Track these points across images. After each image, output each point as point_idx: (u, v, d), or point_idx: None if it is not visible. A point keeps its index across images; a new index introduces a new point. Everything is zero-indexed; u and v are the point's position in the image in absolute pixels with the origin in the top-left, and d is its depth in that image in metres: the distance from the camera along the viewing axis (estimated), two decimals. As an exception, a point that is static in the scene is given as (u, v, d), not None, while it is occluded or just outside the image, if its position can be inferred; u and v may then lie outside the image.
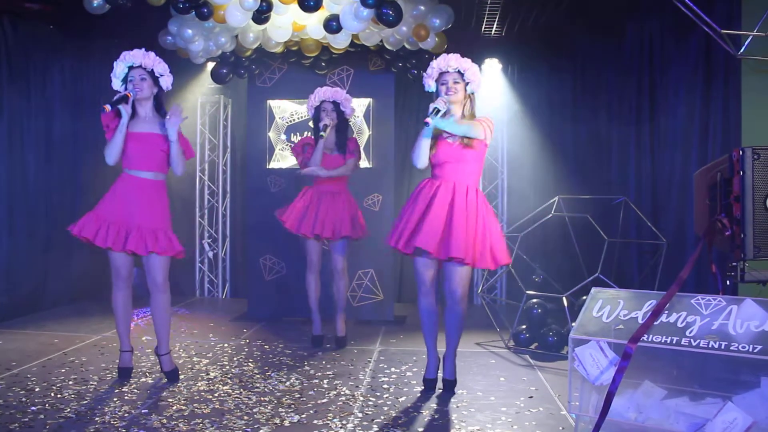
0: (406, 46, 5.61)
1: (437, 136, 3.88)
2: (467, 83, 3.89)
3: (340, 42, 5.48)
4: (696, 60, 5.40)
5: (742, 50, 4.08)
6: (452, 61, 3.88)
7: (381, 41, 5.59)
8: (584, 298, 5.28)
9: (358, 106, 6.15)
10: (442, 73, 3.90)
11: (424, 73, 4.02)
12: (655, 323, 2.44)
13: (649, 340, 2.45)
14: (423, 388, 4.02)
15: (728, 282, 2.73)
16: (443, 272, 3.90)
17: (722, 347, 2.35)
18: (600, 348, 2.55)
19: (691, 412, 2.36)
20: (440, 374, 4.06)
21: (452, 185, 3.82)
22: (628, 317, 2.58)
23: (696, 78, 5.38)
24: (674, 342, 2.43)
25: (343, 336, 5.20)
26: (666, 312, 2.48)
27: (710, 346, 2.35)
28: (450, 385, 3.99)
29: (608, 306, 2.67)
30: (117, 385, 3.95)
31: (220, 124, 7.65)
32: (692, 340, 2.41)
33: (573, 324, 4.88)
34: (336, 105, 5.05)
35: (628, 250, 6.03)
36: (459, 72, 3.87)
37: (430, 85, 3.99)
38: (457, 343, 4.01)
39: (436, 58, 3.94)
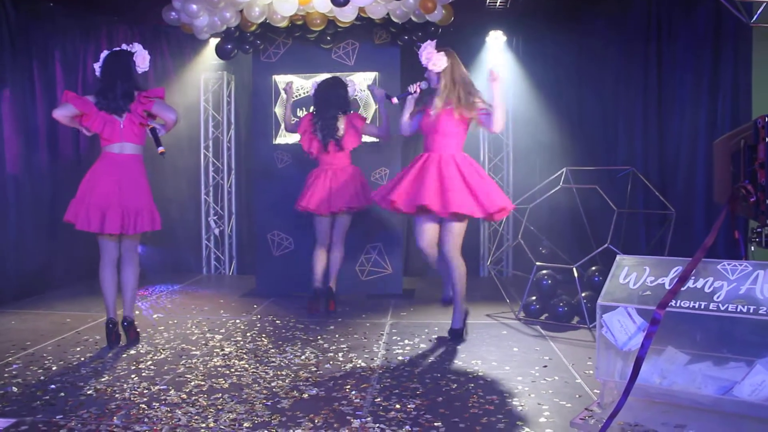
0: (413, 18, 5.56)
1: (426, 110, 4.42)
2: (431, 69, 4.40)
3: (346, 15, 5.43)
4: (705, 28, 5.35)
5: (755, 18, 4.04)
6: (423, 57, 4.39)
7: (387, 14, 5.54)
8: (593, 268, 5.33)
9: (364, 80, 6.12)
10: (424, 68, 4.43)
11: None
12: (682, 289, 2.46)
13: (677, 305, 2.46)
14: (439, 358, 4.06)
15: (752, 248, 2.74)
16: (441, 232, 4.45)
17: (750, 311, 2.36)
18: (628, 314, 2.57)
19: (717, 375, 2.38)
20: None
21: (428, 155, 4.40)
22: (655, 283, 2.59)
23: (705, 47, 5.33)
24: (702, 307, 2.44)
25: (333, 290, 5.53)
26: (692, 278, 2.50)
27: (738, 310, 2.37)
28: (459, 333, 4.54)
29: (634, 273, 2.68)
30: (134, 362, 3.97)
31: (224, 100, 7.61)
32: (720, 305, 2.43)
33: (583, 294, 4.94)
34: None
35: (636, 221, 6.03)
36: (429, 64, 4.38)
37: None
38: (460, 296, 4.51)
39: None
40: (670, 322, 2.52)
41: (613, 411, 2.41)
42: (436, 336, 4.63)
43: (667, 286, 2.54)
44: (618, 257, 2.81)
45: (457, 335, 4.54)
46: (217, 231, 7.62)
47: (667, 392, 2.50)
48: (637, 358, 2.37)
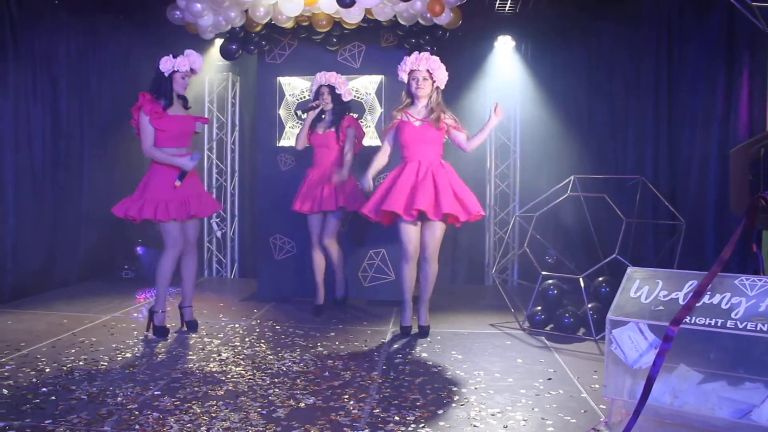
0: (420, 21, 5.48)
1: (405, 122, 4.68)
2: (434, 80, 4.66)
3: (353, 16, 5.35)
4: (718, 35, 5.23)
5: (771, 24, 3.94)
6: (422, 62, 4.61)
7: (394, 16, 5.46)
8: (600, 279, 5.22)
9: (370, 83, 6.04)
10: (413, 70, 4.65)
11: (398, 66, 4.73)
12: (697, 305, 2.35)
13: (692, 322, 2.35)
14: (440, 368, 3.95)
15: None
16: (424, 234, 4.68)
17: (771, 330, 2.25)
18: (639, 330, 2.46)
19: (732, 396, 2.26)
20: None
21: (417, 163, 4.62)
22: (668, 298, 2.48)
23: (718, 54, 5.21)
24: (719, 324, 2.33)
25: (344, 295, 5.80)
26: (708, 293, 2.39)
27: (758, 329, 2.26)
28: (425, 331, 4.77)
29: (646, 286, 2.57)
30: (128, 366, 3.88)
31: (228, 102, 7.54)
32: (738, 323, 2.32)
33: (590, 305, 4.83)
34: (331, 89, 5.42)
35: (644, 231, 5.90)
36: (428, 71, 4.63)
37: (402, 77, 4.72)
38: (428, 296, 4.82)
39: (413, 55, 4.67)
40: (683, 339, 2.40)
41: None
42: (439, 345, 4.54)
43: (681, 302, 2.43)
44: (629, 269, 2.71)
45: (425, 331, 4.79)
46: (219, 233, 7.54)
47: (679, 413, 2.39)
48: (649, 376, 2.26)
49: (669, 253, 5.49)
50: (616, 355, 2.59)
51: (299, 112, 5.49)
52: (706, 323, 2.37)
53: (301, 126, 5.56)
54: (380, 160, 4.85)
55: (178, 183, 4.51)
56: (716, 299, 2.40)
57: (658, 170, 5.93)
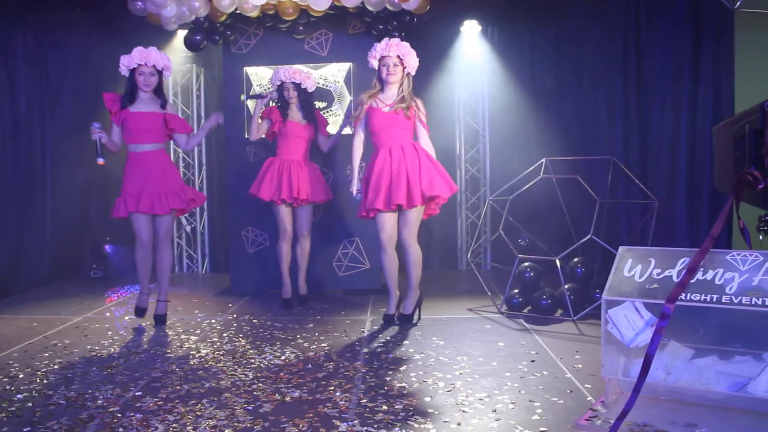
0: (388, 7, 5.43)
1: (375, 108, 4.66)
2: (405, 66, 4.64)
3: (320, 4, 5.29)
4: (685, 15, 5.29)
5: (738, 4, 3.97)
6: (393, 48, 4.58)
7: (362, 3, 5.40)
8: (576, 260, 5.25)
9: (338, 71, 5.97)
10: (383, 56, 4.63)
11: (368, 52, 4.71)
12: (691, 281, 2.36)
13: (687, 298, 2.37)
14: (423, 354, 3.94)
15: (759, 237, 2.65)
16: (399, 221, 4.69)
17: (767, 303, 2.27)
18: (635, 309, 2.47)
19: (727, 370, 2.28)
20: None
21: (387, 151, 4.62)
22: (662, 276, 2.49)
23: (685, 34, 5.27)
24: (714, 300, 2.35)
25: (305, 294, 5.60)
26: (701, 269, 2.40)
27: (753, 303, 2.28)
28: (408, 319, 4.73)
29: (639, 265, 2.58)
30: (105, 367, 3.79)
31: (193, 94, 7.40)
32: (733, 298, 2.34)
33: (566, 286, 4.87)
34: (297, 85, 5.38)
35: (617, 211, 5.97)
36: (398, 56, 4.61)
37: (373, 64, 4.70)
38: (414, 283, 4.74)
39: (387, 40, 4.65)
40: (675, 315, 2.41)
41: (622, 411, 2.30)
42: (420, 332, 4.53)
43: (675, 279, 2.44)
44: (621, 248, 2.71)
45: (407, 320, 4.74)
46: (188, 228, 7.42)
47: (675, 389, 2.41)
48: (647, 354, 2.26)
49: (641, 232, 5.55)
50: (612, 334, 2.59)
51: (243, 96, 5.54)
52: (702, 299, 2.39)
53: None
54: (357, 150, 4.81)
55: (100, 160, 4.46)
56: (709, 275, 2.41)
57: (628, 150, 5.99)
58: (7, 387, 3.46)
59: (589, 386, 3.30)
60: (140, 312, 4.87)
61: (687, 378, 2.40)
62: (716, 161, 3.12)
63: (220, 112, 4.92)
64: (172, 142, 4.98)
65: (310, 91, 5.45)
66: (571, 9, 6.60)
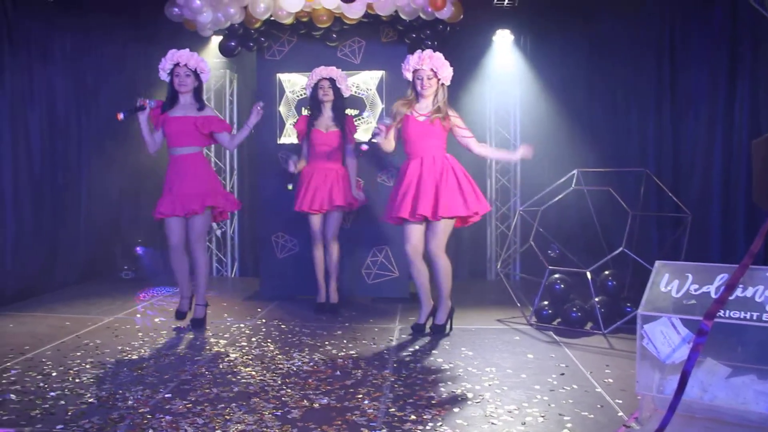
0: (422, 16, 5.44)
1: (410, 116, 4.65)
2: (439, 78, 4.62)
3: (354, 12, 5.31)
4: (721, 25, 5.21)
5: (777, 14, 3.92)
6: (426, 61, 4.57)
7: (395, 11, 5.41)
8: (607, 272, 5.19)
9: (371, 79, 5.99)
10: (416, 69, 4.61)
11: (401, 62, 4.72)
12: (730, 298, 2.32)
13: (726, 315, 2.33)
14: (452, 365, 3.92)
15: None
16: (426, 232, 4.66)
17: (810, 323, 2.23)
18: (672, 324, 2.43)
19: (766, 390, 2.23)
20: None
21: (419, 161, 4.61)
22: (700, 292, 2.46)
23: (721, 43, 5.19)
24: (755, 318, 2.31)
25: (336, 303, 5.54)
26: (740, 286, 2.36)
27: (796, 321, 2.24)
28: (441, 329, 4.71)
29: (676, 280, 2.54)
30: (135, 368, 3.83)
31: (227, 99, 7.48)
32: (776, 316, 2.30)
33: (597, 299, 4.81)
34: (332, 82, 5.36)
35: (648, 225, 5.88)
36: (432, 69, 4.58)
37: (407, 76, 4.69)
38: (445, 293, 4.69)
39: (417, 53, 4.65)
40: (712, 332, 2.37)
41: (658, 428, 2.27)
42: (448, 342, 4.51)
43: (713, 295, 2.40)
44: (657, 263, 2.67)
45: (439, 330, 4.71)
46: (219, 232, 7.48)
47: (711, 407, 2.37)
48: (684, 371, 2.22)
49: (672, 246, 5.46)
50: (648, 350, 2.55)
51: (120, 115, 4.46)
52: (742, 317, 2.35)
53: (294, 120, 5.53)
54: (385, 144, 4.76)
55: (120, 114, 4.45)
56: (749, 292, 2.37)
57: (661, 163, 5.91)
58: (41, 384, 3.52)
59: (620, 401, 3.26)
60: (180, 315, 4.91)
61: (724, 397, 2.35)
62: (756, 175, 3.07)
63: (260, 101, 4.83)
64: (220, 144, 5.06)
65: (344, 93, 5.46)
66: (604, 20, 6.54)
